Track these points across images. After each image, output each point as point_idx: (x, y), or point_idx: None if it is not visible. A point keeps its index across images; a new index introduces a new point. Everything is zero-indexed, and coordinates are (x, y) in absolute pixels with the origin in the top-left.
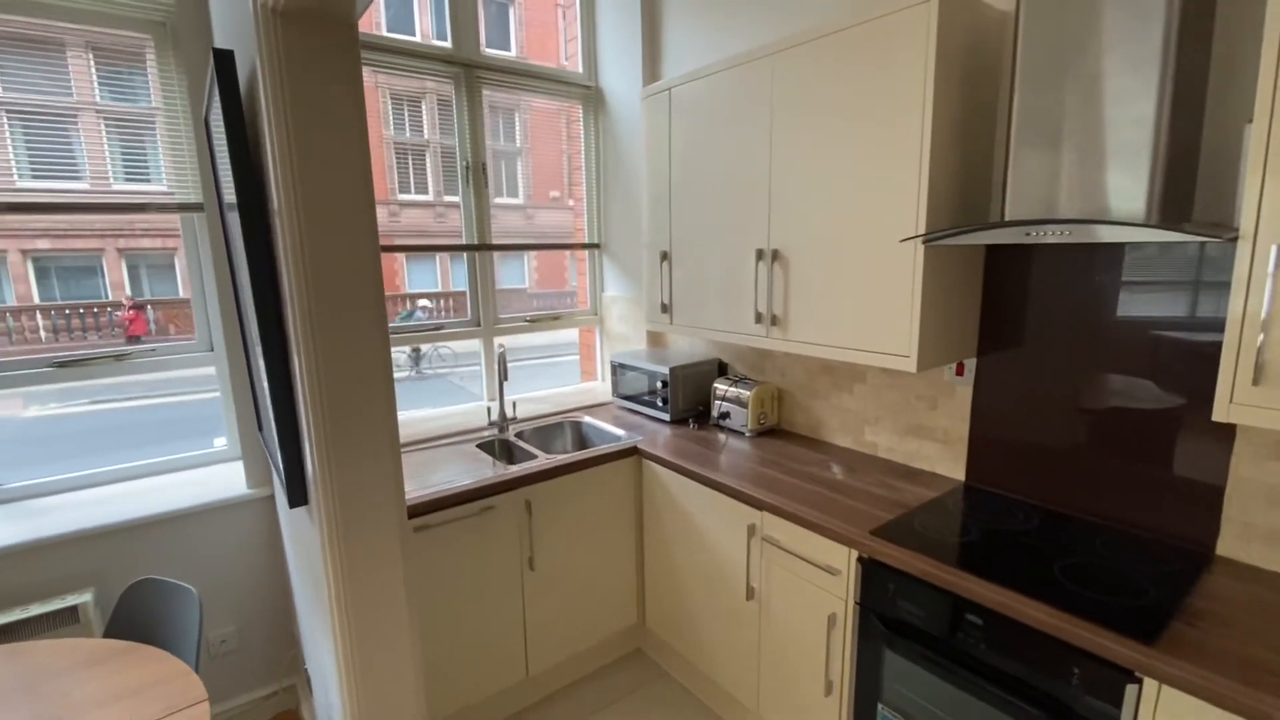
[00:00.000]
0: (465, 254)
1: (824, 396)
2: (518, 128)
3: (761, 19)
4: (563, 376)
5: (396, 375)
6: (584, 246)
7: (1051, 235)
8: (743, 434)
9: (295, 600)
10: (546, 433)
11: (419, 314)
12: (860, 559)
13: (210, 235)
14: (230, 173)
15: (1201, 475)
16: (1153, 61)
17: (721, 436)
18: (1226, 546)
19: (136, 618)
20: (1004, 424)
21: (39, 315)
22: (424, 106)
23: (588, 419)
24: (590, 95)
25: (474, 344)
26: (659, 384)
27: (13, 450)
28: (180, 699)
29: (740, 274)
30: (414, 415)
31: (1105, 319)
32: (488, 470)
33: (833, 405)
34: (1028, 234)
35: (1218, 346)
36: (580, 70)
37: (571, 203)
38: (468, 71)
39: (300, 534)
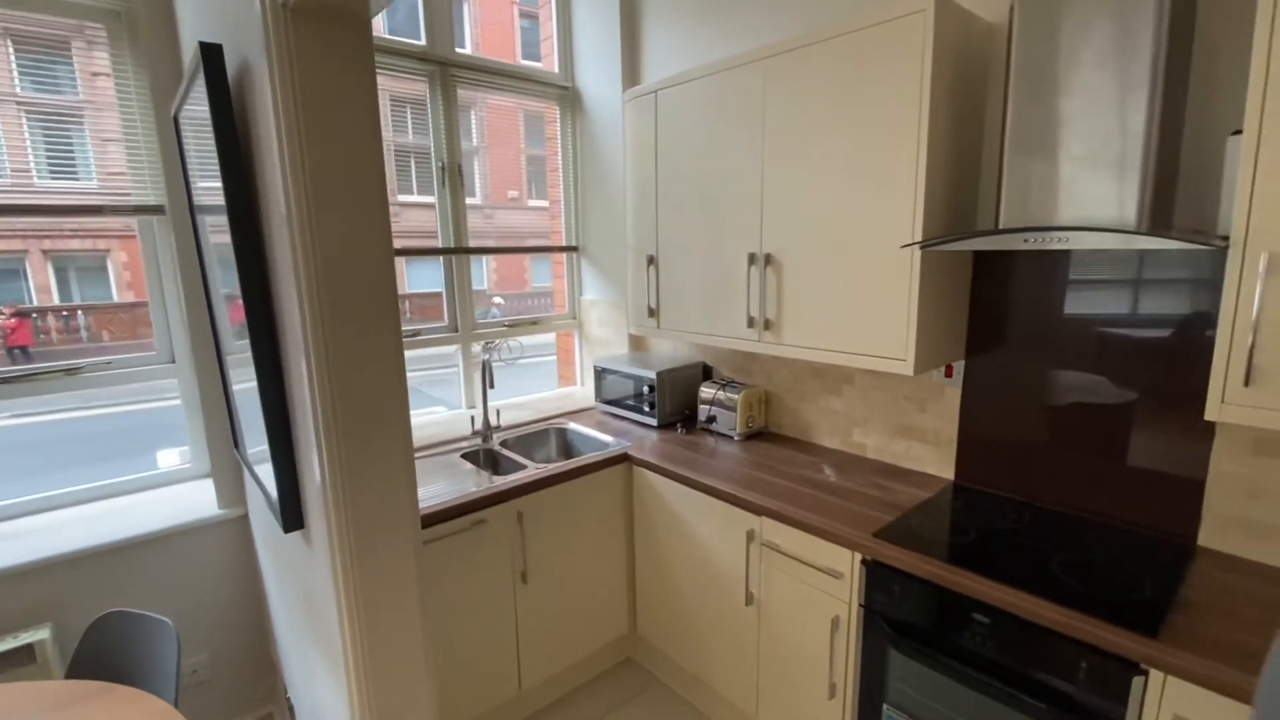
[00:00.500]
0: (441, 257)
1: (812, 399)
2: (474, 126)
3: (744, 24)
4: (539, 379)
5: None
6: (562, 249)
7: (1051, 243)
8: (731, 437)
9: (275, 625)
10: (531, 441)
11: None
12: (864, 561)
13: (176, 240)
14: (206, 173)
15: (1183, 470)
16: (1143, 75)
17: (710, 440)
18: (1207, 538)
19: (105, 655)
20: (992, 424)
21: None
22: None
23: (573, 425)
24: (567, 96)
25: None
26: (645, 388)
27: None
28: None
29: (732, 278)
30: None
31: (1086, 320)
32: (476, 482)
33: (820, 407)
34: (1026, 240)
35: (1197, 346)
36: (557, 70)
37: (533, 203)
38: (443, 70)
39: (292, 559)
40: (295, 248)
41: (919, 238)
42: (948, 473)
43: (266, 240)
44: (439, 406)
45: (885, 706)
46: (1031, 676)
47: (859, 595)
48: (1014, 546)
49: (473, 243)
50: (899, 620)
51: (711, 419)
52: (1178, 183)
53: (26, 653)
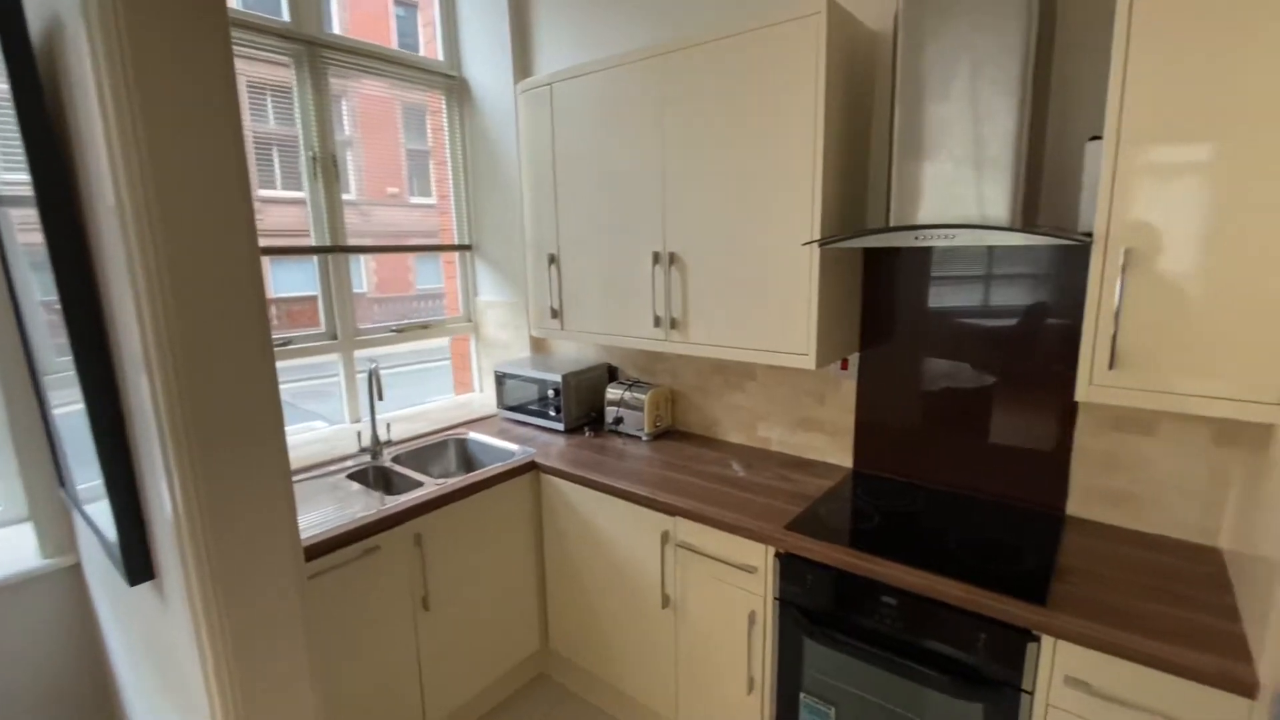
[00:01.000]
0: (316, 257)
1: (717, 395)
2: (345, 117)
3: (640, 18)
4: (433, 385)
5: None
6: (454, 248)
7: (938, 239)
8: (640, 438)
9: (124, 697)
10: (427, 454)
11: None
12: (778, 555)
13: None
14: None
15: (1051, 447)
16: (1015, 83)
17: (619, 442)
18: (1074, 507)
19: None
20: (884, 413)
21: None
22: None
23: (473, 435)
24: (454, 86)
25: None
26: (550, 392)
27: None
28: None
29: (636, 277)
30: None
31: (963, 311)
32: (365, 504)
33: (725, 404)
34: (916, 238)
35: (1065, 332)
36: (442, 59)
37: (416, 199)
38: (311, 50)
39: (142, 618)
40: (130, 243)
41: (818, 236)
42: (847, 461)
43: (93, 236)
44: (318, 421)
45: (802, 695)
46: (937, 651)
47: (774, 588)
48: (913, 528)
49: (352, 241)
50: (813, 609)
51: (619, 420)
52: (1042, 184)
53: None
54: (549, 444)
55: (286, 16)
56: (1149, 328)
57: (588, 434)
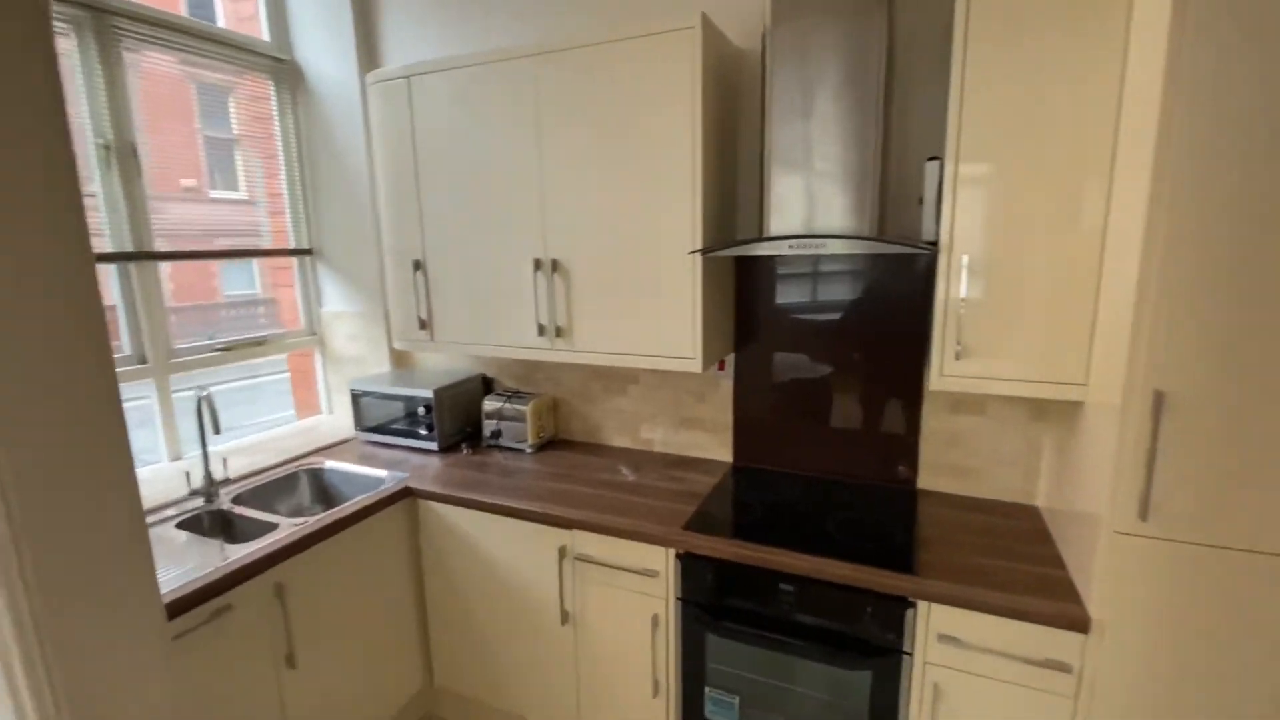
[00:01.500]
0: (115, 265)
1: (599, 401)
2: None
3: (501, 17)
4: (265, 404)
5: None
6: (291, 252)
7: (809, 248)
8: (524, 450)
9: None
10: (274, 491)
11: None
12: (679, 555)
13: None
14: None
15: (904, 430)
16: (871, 105)
17: (501, 457)
18: (924, 481)
19: None
20: (757, 408)
21: None
22: None
23: (330, 463)
24: (284, 71)
25: None
26: (420, 409)
27: None
28: None
29: (516, 285)
30: None
31: (820, 312)
32: (203, 557)
33: (608, 408)
34: (790, 247)
35: (910, 329)
36: (267, 38)
37: (218, 193)
38: (96, 18)
39: None
40: None
41: (700, 244)
42: (727, 456)
43: None
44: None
45: (707, 689)
46: (829, 628)
47: (676, 589)
48: (795, 515)
49: (160, 245)
50: (714, 605)
51: (497, 434)
52: (889, 198)
53: None
54: (423, 466)
55: None
56: (980, 324)
57: (465, 451)
